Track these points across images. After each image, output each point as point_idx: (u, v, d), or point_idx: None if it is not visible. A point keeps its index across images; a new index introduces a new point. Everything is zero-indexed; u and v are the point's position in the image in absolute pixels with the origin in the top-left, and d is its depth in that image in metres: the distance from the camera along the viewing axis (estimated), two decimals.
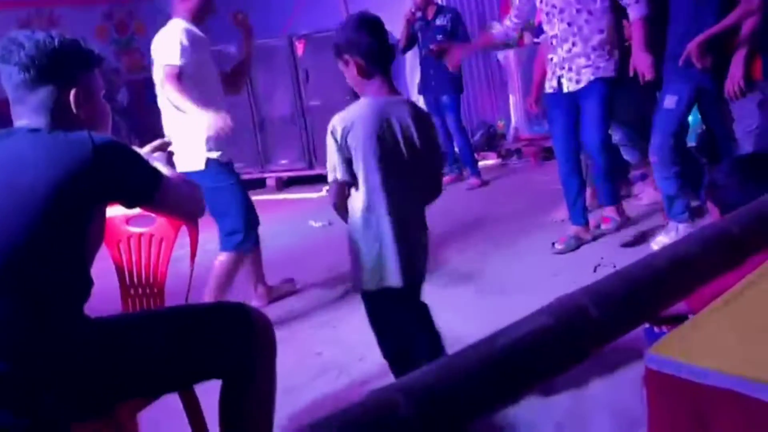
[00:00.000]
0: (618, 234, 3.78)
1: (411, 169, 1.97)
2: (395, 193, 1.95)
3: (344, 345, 2.76)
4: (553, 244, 3.69)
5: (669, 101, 3.28)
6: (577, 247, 3.68)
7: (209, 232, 4.73)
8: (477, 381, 0.63)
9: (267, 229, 5.15)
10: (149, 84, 3.26)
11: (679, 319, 1.61)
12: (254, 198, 6.67)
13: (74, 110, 1.50)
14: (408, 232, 1.97)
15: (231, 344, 1.55)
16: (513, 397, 0.68)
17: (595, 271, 3.24)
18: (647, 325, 1.72)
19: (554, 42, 3.57)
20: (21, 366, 1.31)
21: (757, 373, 0.58)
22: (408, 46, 5.77)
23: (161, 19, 3.31)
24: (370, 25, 1.97)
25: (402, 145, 1.94)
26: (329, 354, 2.72)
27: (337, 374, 2.53)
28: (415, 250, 2.00)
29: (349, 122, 1.93)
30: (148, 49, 3.20)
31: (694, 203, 3.57)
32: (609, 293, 0.79)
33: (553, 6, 3.52)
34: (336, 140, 1.94)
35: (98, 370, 1.40)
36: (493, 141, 7.10)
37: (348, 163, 1.95)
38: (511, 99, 7.03)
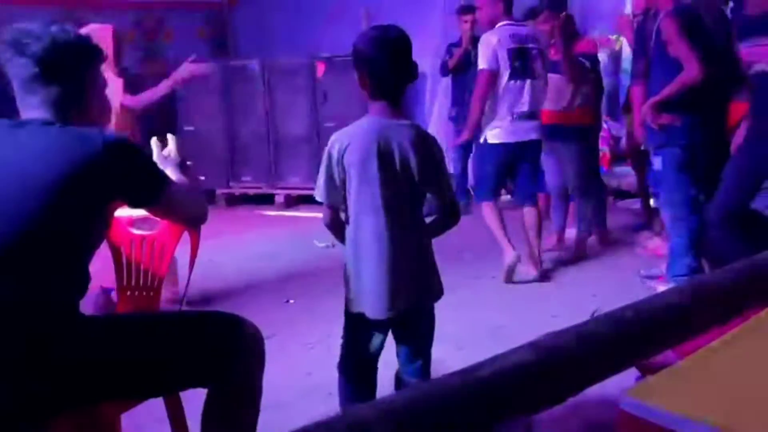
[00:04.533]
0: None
1: (406, 195, 1.89)
2: (385, 218, 1.87)
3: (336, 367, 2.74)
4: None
5: (656, 162, 3.46)
6: None
7: (217, 241, 4.77)
8: (453, 409, 0.63)
9: (271, 245, 5.22)
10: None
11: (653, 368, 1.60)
12: (262, 213, 6.69)
13: (83, 105, 1.53)
14: (397, 261, 1.88)
15: (220, 353, 1.55)
16: (486, 428, 0.68)
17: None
18: (639, 375, 1.70)
19: None
20: (12, 346, 1.32)
21: (730, 424, 0.57)
22: (458, 68, 5.71)
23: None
24: (387, 43, 1.86)
25: (398, 167, 1.85)
26: (320, 375, 2.70)
27: (326, 395, 2.52)
28: (403, 281, 1.90)
29: (348, 140, 1.89)
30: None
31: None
32: (597, 334, 0.79)
33: None
34: (332, 156, 1.90)
35: (87, 365, 1.40)
36: None
37: (340, 183, 1.90)
38: None
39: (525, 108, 3.85)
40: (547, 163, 4.46)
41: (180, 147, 1.90)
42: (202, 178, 5.95)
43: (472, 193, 6.34)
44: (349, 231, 1.95)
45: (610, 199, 5.23)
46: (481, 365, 0.70)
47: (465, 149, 5.78)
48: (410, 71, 1.91)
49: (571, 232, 4.55)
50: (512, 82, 3.81)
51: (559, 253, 4.45)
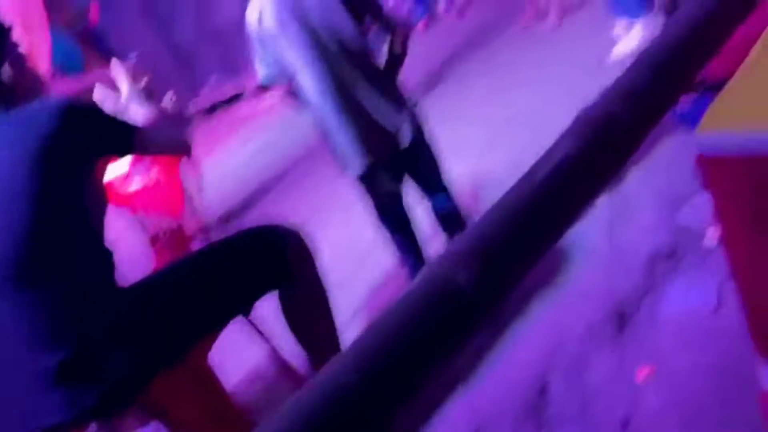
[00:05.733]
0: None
1: (343, 42, 1.75)
2: (331, 73, 1.76)
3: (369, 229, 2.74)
4: None
5: None
6: None
7: (213, 157, 4.70)
8: (526, 226, 0.60)
9: (271, 132, 5.08)
10: None
11: (703, 84, 1.55)
12: (241, 110, 6.51)
13: (11, 84, 1.42)
14: (360, 111, 1.80)
15: (270, 265, 1.55)
16: (566, 227, 0.65)
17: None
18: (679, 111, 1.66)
19: None
20: (80, 348, 1.32)
21: None
22: None
23: None
24: None
25: (317, 19, 1.72)
26: (363, 239, 2.72)
27: (378, 256, 2.55)
28: (375, 127, 1.83)
29: (259, 8, 1.75)
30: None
31: None
32: (631, 89, 0.74)
33: None
34: (253, 35, 1.78)
35: (154, 329, 1.41)
36: None
37: (275, 57, 1.79)
38: None
39: None
40: None
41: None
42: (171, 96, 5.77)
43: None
44: (306, 98, 1.85)
45: None
46: (532, 171, 0.66)
47: None
48: None
49: None
50: None
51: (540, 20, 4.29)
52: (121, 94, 1.69)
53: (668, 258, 1.80)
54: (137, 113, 1.61)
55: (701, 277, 1.67)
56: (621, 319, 1.69)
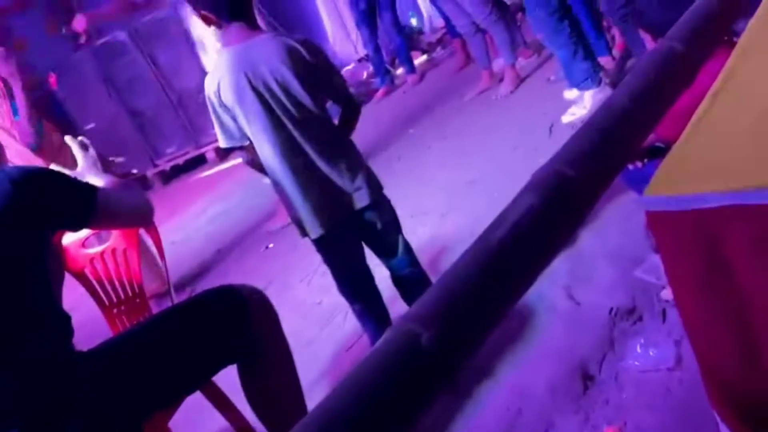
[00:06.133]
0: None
1: (298, 110, 1.79)
2: (286, 140, 1.80)
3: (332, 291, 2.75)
4: None
5: None
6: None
7: (171, 222, 4.65)
8: (486, 285, 0.60)
9: (224, 202, 5.10)
10: None
11: (653, 151, 1.62)
12: (200, 176, 6.52)
13: None
14: (314, 177, 1.83)
15: (231, 326, 1.52)
16: (525, 286, 0.66)
17: (550, 131, 3.25)
18: (632, 164, 1.71)
19: None
20: (33, 423, 1.27)
21: (761, 179, 0.56)
22: None
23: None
24: None
25: (276, 87, 1.76)
26: (329, 299, 2.72)
27: (345, 314, 2.54)
28: (332, 191, 1.85)
29: (217, 80, 1.79)
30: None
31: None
32: (581, 151, 0.77)
33: None
34: (211, 101, 1.81)
35: (111, 397, 1.37)
36: (412, 38, 6.97)
37: (233, 122, 1.82)
38: None
39: None
40: (445, 6, 4.37)
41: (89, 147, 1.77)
42: (120, 159, 5.72)
43: (390, 69, 6.24)
44: (264, 165, 1.87)
45: (518, 15, 5.16)
46: (488, 232, 0.67)
47: (370, 27, 5.60)
48: None
49: (498, 63, 4.52)
50: None
51: (495, 87, 4.44)
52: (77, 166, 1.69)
53: (628, 315, 1.83)
54: (95, 182, 1.60)
55: (660, 335, 1.70)
56: (584, 378, 1.69)
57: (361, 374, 0.55)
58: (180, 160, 6.81)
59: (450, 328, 0.56)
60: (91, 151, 1.73)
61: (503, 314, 0.62)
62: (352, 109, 1.94)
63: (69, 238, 1.87)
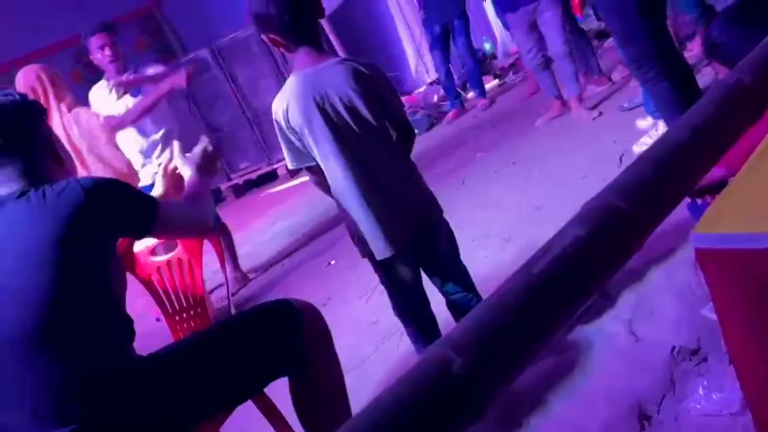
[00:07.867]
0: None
1: (365, 132, 1.82)
2: (355, 163, 1.82)
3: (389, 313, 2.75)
4: None
5: None
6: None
7: (239, 234, 4.78)
8: (524, 316, 0.60)
9: (292, 218, 5.21)
10: None
11: (720, 185, 1.56)
12: (270, 192, 6.67)
13: (47, 164, 1.50)
14: (382, 197, 1.84)
15: (284, 341, 1.55)
16: (564, 320, 0.65)
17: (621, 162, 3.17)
18: (689, 200, 1.67)
19: None
20: (88, 422, 1.32)
21: None
22: None
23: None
24: None
25: (343, 111, 1.78)
26: (385, 320, 2.72)
27: (400, 336, 2.53)
28: (398, 212, 1.86)
29: (285, 103, 1.82)
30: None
31: None
32: (634, 184, 0.75)
33: None
34: (279, 124, 1.85)
35: (164, 401, 1.41)
36: (484, 63, 6.96)
37: (301, 145, 1.85)
38: (490, 15, 6.86)
39: None
40: (515, 33, 4.37)
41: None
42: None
43: (461, 92, 6.26)
44: (331, 186, 1.90)
45: (594, 42, 5.08)
46: (529, 264, 0.66)
47: (443, 51, 5.66)
48: (311, 7, 1.80)
49: (571, 91, 4.46)
50: None
51: (565, 114, 4.39)
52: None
53: (691, 355, 1.75)
54: (184, 171, 1.81)
55: (725, 378, 1.61)
56: (641, 418, 1.63)
57: (391, 394, 0.56)
58: (253, 175, 7.00)
59: (483, 356, 0.56)
60: (201, 148, 1.93)
61: (540, 347, 0.60)
62: (407, 133, 1.96)
63: (138, 246, 1.95)
